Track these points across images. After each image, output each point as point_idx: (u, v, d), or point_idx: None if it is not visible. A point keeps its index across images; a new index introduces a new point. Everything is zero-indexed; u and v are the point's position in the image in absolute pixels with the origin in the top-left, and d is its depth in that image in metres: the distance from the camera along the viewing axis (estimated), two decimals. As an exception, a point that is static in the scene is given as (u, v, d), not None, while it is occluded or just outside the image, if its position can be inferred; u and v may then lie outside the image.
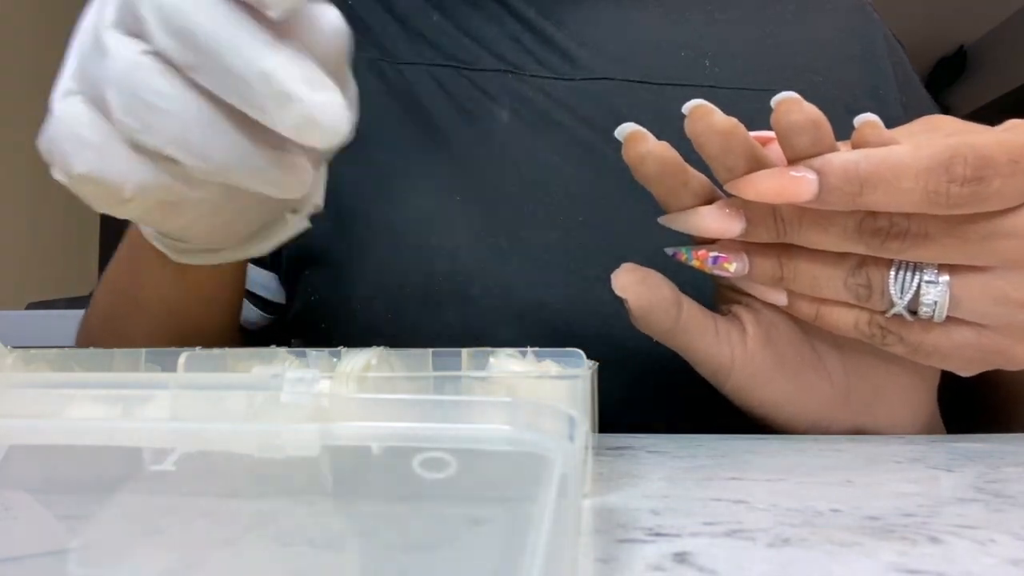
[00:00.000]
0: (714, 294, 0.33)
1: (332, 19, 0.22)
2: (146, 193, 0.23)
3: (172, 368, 0.23)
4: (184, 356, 0.22)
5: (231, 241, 0.29)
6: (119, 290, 0.40)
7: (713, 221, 0.27)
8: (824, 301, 0.28)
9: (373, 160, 0.41)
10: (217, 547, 0.15)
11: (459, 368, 0.24)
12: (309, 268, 0.43)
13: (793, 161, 0.25)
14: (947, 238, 0.25)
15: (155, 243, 0.29)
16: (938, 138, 0.24)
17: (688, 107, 0.26)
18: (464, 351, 0.24)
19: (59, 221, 1.99)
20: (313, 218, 0.30)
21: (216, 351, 0.23)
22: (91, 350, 0.24)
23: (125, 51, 0.21)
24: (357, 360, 0.22)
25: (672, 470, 0.24)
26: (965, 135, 0.24)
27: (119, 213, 0.25)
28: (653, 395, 0.38)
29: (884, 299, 0.27)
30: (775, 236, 0.27)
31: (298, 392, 0.14)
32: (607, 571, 0.15)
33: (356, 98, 0.25)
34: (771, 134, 0.26)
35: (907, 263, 0.26)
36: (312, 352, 0.24)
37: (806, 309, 0.29)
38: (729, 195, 0.27)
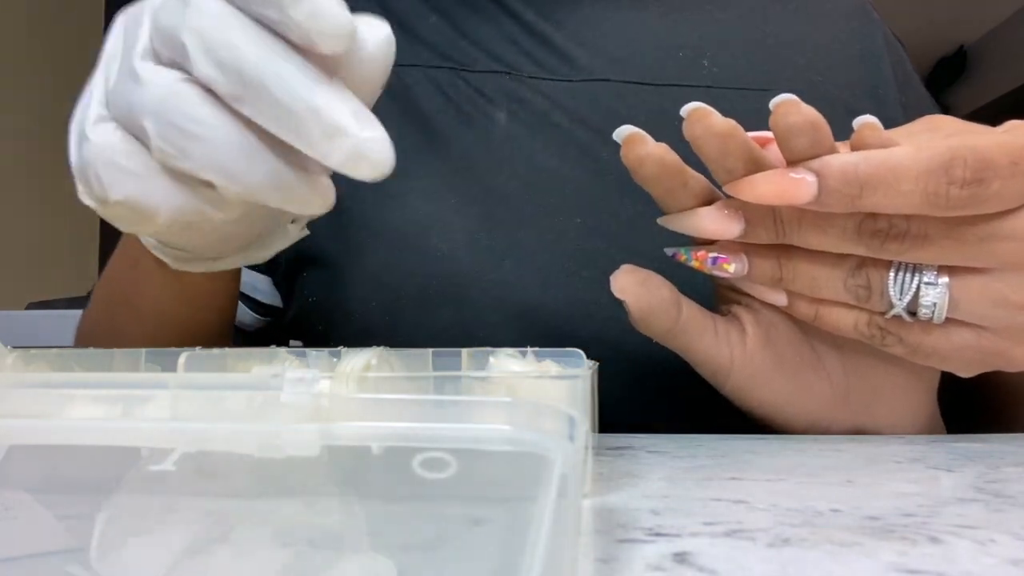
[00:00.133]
0: (714, 295, 0.33)
1: (380, 36, 0.22)
2: (179, 216, 0.23)
3: (172, 368, 0.23)
4: (184, 356, 0.22)
5: (230, 249, 0.29)
6: (115, 293, 0.41)
7: (712, 222, 0.27)
8: (823, 302, 0.28)
9: None
10: (217, 547, 0.15)
11: (459, 368, 0.24)
12: (307, 270, 0.43)
13: (792, 163, 0.25)
14: (946, 240, 0.25)
15: (154, 251, 0.29)
16: (938, 139, 0.24)
17: (686, 110, 0.26)
18: (464, 351, 0.24)
19: (59, 221, 1.99)
20: (311, 220, 0.30)
21: (216, 351, 0.23)
22: (91, 350, 0.24)
23: (160, 78, 0.21)
24: (357, 360, 0.22)
25: (672, 470, 0.24)
26: (965, 136, 0.24)
27: (142, 232, 0.25)
28: (653, 396, 0.38)
29: (883, 300, 0.27)
30: (774, 237, 0.27)
31: (298, 392, 0.14)
32: (607, 571, 0.15)
33: None
34: (770, 135, 0.26)
35: (906, 264, 0.26)
36: (312, 352, 0.24)
37: (805, 310, 0.29)
38: (728, 196, 0.27)
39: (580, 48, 0.43)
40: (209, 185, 0.22)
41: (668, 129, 0.29)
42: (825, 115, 0.25)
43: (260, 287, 0.46)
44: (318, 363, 0.24)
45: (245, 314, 0.47)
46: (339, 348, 0.23)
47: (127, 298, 0.39)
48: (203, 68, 0.21)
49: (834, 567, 0.15)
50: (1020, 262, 0.25)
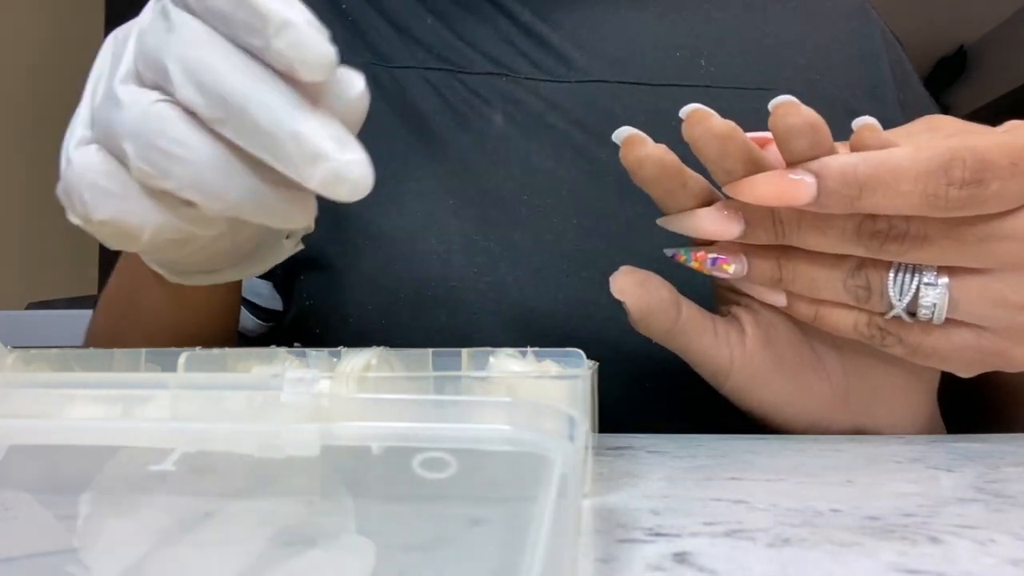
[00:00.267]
0: (713, 295, 0.33)
1: (358, 86, 0.23)
2: (162, 234, 0.23)
3: (172, 368, 0.23)
4: (184, 356, 0.22)
5: (226, 263, 0.29)
6: (118, 304, 0.41)
7: (711, 223, 0.27)
8: (823, 302, 0.28)
9: None
10: (217, 547, 0.15)
11: (459, 368, 0.24)
12: (304, 273, 0.43)
13: (791, 164, 0.25)
14: (946, 240, 0.25)
15: (152, 265, 0.29)
16: (937, 140, 0.24)
17: (685, 111, 0.26)
18: (464, 351, 0.24)
19: (59, 221, 1.98)
20: (307, 232, 0.30)
21: (216, 351, 0.23)
22: (91, 350, 0.24)
23: (140, 100, 0.22)
24: (357, 360, 0.22)
25: (672, 470, 0.24)
26: (965, 137, 0.24)
27: (130, 249, 0.25)
28: (653, 396, 0.38)
29: (883, 301, 0.27)
30: (774, 238, 0.27)
31: (298, 392, 0.14)
32: (607, 571, 0.15)
33: None
34: (769, 136, 0.26)
35: (906, 265, 0.26)
36: (312, 352, 0.24)
37: (805, 310, 0.29)
38: (728, 197, 0.27)
39: (577, 49, 0.43)
40: (190, 204, 0.23)
41: (666, 129, 0.29)
42: (824, 115, 0.25)
43: (261, 292, 0.46)
44: (318, 363, 0.24)
45: (247, 319, 0.47)
46: (339, 348, 0.23)
47: (129, 309, 0.39)
48: (185, 92, 0.21)
49: (834, 567, 0.15)
50: (1020, 262, 0.25)
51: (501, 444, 0.13)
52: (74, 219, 0.24)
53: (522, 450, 0.12)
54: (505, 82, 0.42)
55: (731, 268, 0.28)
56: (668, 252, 0.29)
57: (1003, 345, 0.27)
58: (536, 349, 0.24)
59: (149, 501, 0.16)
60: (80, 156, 0.23)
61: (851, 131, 0.26)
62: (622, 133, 0.27)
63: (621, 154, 0.27)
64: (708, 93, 0.42)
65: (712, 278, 0.31)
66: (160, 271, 0.29)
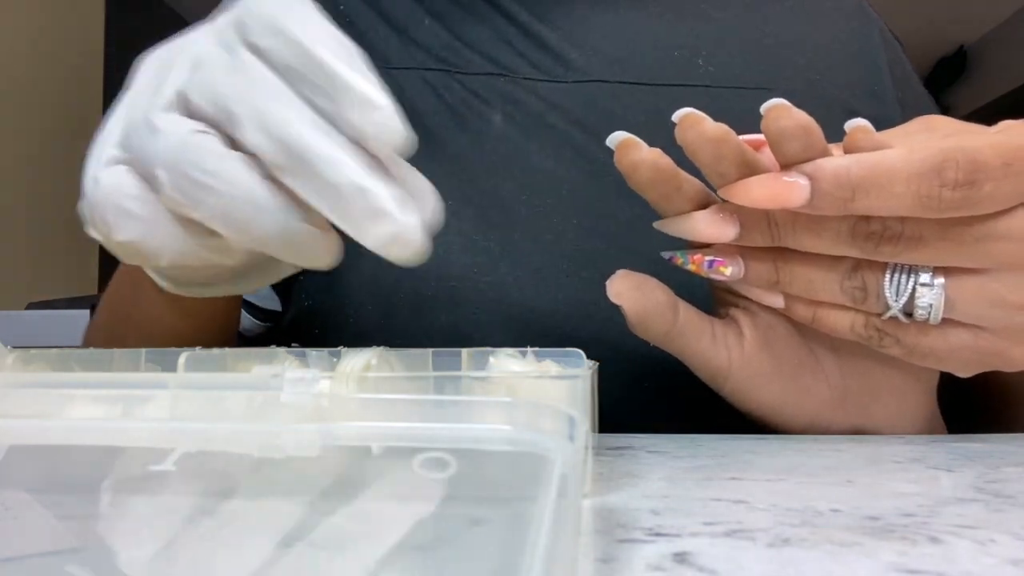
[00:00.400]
0: (711, 297, 0.33)
1: (425, 186, 0.23)
2: (182, 261, 0.23)
3: (172, 368, 0.23)
4: (184, 356, 0.22)
5: (226, 279, 0.29)
6: (117, 309, 0.41)
7: (707, 226, 0.27)
8: (821, 304, 0.28)
9: None
10: (217, 547, 0.15)
11: (459, 368, 0.24)
12: (303, 273, 0.43)
13: (785, 166, 0.25)
14: (941, 241, 0.25)
15: (152, 275, 0.29)
16: (932, 141, 0.24)
17: (678, 116, 0.26)
18: (464, 351, 0.24)
19: (59, 221, 1.99)
20: None
21: (216, 351, 0.23)
22: (91, 350, 0.24)
23: (177, 128, 0.22)
24: (357, 360, 0.22)
25: (672, 470, 0.24)
26: (959, 137, 0.24)
27: (146, 267, 0.25)
28: (653, 396, 0.38)
29: (880, 302, 0.27)
30: (769, 240, 0.27)
31: (298, 392, 0.14)
32: (607, 571, 0.15)
33: None
34: (763, 137, 0.26)
35: (902, 266, 0.26)
36: (312, 352, 0.24)
37: (803, 312, 0.29)
38: (723, 199, 0.28)
39: (575, 49, 0.43)
40: (215, 234, 0.23)
41: (665, 129, 0.29)
42: (823, 114, 0.25)
43: (260, 292, 0.46)
44: (318, 363, 0.24)
45: (245, 319, 0.47)
46: (339, 348, 0.23)
47: (129, 314, 0.39)
48: (254, 137, 0.21)
49: (834, 567, 0.15)
50: (1016, 262, 0.25)
51: (501, 444, 0.13)
52: (93, 233, 0.24)
53: (522, 450, 0.12)
54: (504, 82, 0.42)
55: (728, 270, 0.28)
56: (665, 255, 0.29)
57: (1001, 345, 0.27)
58: (536, 349, 0.24)
59: (149, 501, 0.16)
60: (109, 177, 0.23)
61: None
62: (616, 138, 0.27)
63: (616, 158, 0.27)
64: (707, 93, 0.42)
65: (710, 280, 0.32)
66: (159, 281, 0.30)
